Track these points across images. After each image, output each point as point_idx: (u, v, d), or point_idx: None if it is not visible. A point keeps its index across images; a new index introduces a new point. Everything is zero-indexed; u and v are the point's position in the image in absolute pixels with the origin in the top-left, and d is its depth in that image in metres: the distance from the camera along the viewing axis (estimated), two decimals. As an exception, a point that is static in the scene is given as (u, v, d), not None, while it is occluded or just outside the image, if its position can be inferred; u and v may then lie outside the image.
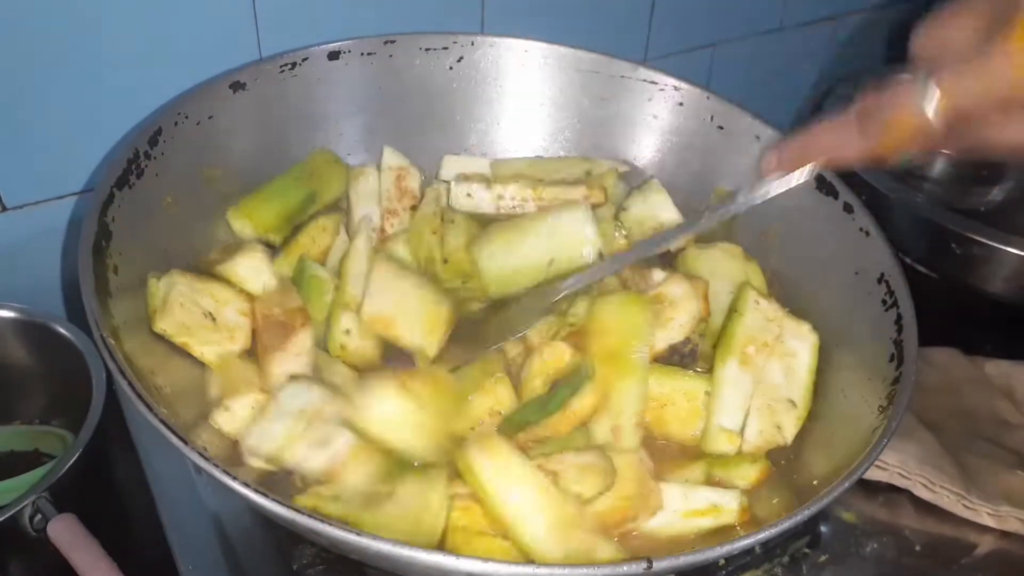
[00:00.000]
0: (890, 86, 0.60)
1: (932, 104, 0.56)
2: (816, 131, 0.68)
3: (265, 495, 0.56)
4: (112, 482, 0.89)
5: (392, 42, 0.97)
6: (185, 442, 0.59)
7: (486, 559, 0.56)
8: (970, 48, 0.55)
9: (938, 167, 1.23)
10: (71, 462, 0.81)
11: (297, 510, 0.56)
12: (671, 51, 1.35)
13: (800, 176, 0.71)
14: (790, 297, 0.90)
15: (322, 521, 0.55)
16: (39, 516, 0.79)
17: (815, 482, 0.68)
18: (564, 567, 0.56)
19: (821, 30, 1.54)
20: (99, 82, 0.92)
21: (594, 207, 0.93)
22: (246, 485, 0.57)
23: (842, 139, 0.64)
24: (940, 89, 0.56)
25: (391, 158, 0.97)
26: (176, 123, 0.83)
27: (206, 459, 0.58)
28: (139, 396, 0.60)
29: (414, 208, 0.96)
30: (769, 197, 0.74)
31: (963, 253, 1.08)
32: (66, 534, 0.77)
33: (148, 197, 0.78)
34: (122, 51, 0.91)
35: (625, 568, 0.56)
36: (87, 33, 0.88)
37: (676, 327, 0.83)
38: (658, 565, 0.56)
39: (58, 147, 0.93)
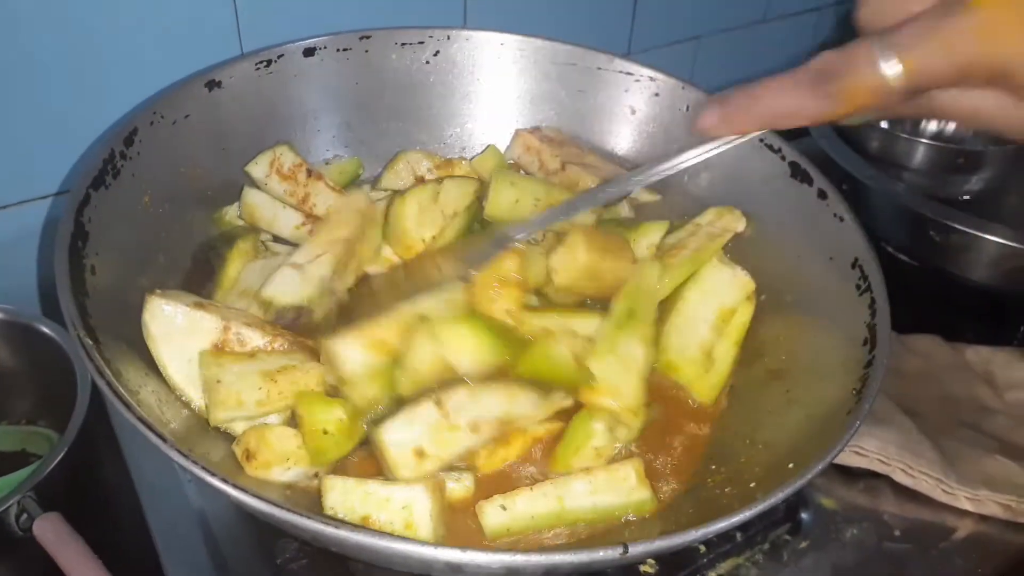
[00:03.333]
0: (848, 49, 0.57)
1: (893, 69, 0.54)
2: (765, 91, 0.62)
3: (244, 490, 0.57)
4: (98, 481, 0.90)
5: (368, 37, 0.98)
6: (164, 440, 0.59)
7: (464, 549, 0.57)
8: (931, 13, 0.54)
9: (918, 156, 1.24)
10: (56, 461, 0.82)
11: (277, 505, 0.56)
12: (654, 44, 1.35)
13: (743, 139, 0.66)
14: (764, 283, 0.91)
15: (300, 515, 0.56)
16: (25, 515, 0.79)
17: (790, 465, 0.69)
18: (540, 553, 0.57)
19: (805, 21, 1.55)
20: (76, 82, 0.92)
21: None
22: (225, 481, 0.57)
23: (795, 100, 0.60)
24: (901, 54, 0.54)
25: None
26: (152, 123, 0.83)
27: (185, 456, 0.58)
28: (117, 395, 0.61)
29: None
30: (704, 159, 0.70)
31: (943, 241, 1.09)
32: (51, 533, 0.78)
33: (125, 197, 0.78)
34: (99, 50, 0.91)
35: (601, 553, 0.57)
36: (63, 32, 0.88)
37: None
38: (633, 550, 0.57)
39: (33, 148, 0.94)
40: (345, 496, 0.69)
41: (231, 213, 0.92)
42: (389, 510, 0.68)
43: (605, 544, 0.57)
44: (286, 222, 0.91)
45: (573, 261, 0.85)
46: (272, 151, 0.92)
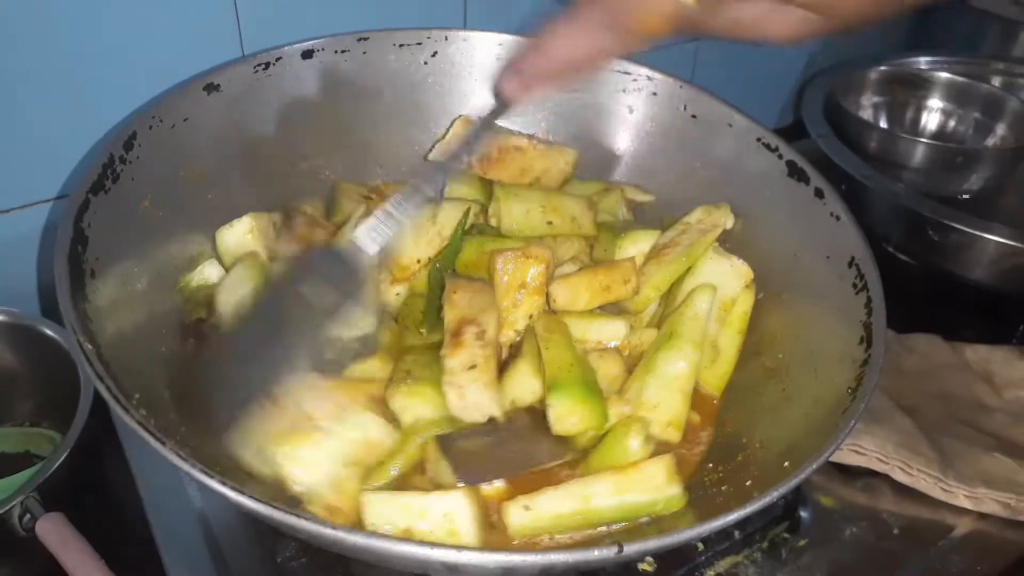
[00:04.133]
0: None
1: None
2: (555, 41, 0.60)
3: (242, 492, 0.57)
4: (100, 481, 0.90)
5: (366, 39, 0.98)
6: (163, 443, 0.59)
7: (460, 548, 0.57)
8: None
9: (917, 155, 1.24)
10: (59, 462, 0.82)
11: (276, 507, 0.56)
12: (655, 45, 1.35)
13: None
14: (761, 281, 0.91)
15: (299, 517, 0.56)
16: (28, 516, 0.80)
17: (786, 463, 0.69)
18: (536, 553, 0.57)
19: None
20: (75, 86, 0.92)
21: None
22: (223, 483, 0.58)
23: (587, 41, 0.58)
24: None
25: None
26: (151, 127, 0.83)
27: (183, 459, 0.59)
28: (117, 399, 0.61)
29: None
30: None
31: (941, 240, 1.09)
32: (54, 533, 0.78)
33: (125, 202, 0.79)
34: (99, 54, 0.92)
35: (596, 553, 0.57)
36: (62, 35, 0.89)
37: None
38: (628, 549, 0.57)
39: (32, 152, 0.94)
40: (384, 511, 0.69)
41: (195, 281, 0.89)
42: (430, 520, 0.68)
43: (599, 545, 0.57)
44: None
45: (574, 300, 0.86)
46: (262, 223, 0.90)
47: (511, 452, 0.77)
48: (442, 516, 0.68)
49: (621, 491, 0.73)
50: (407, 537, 0.67)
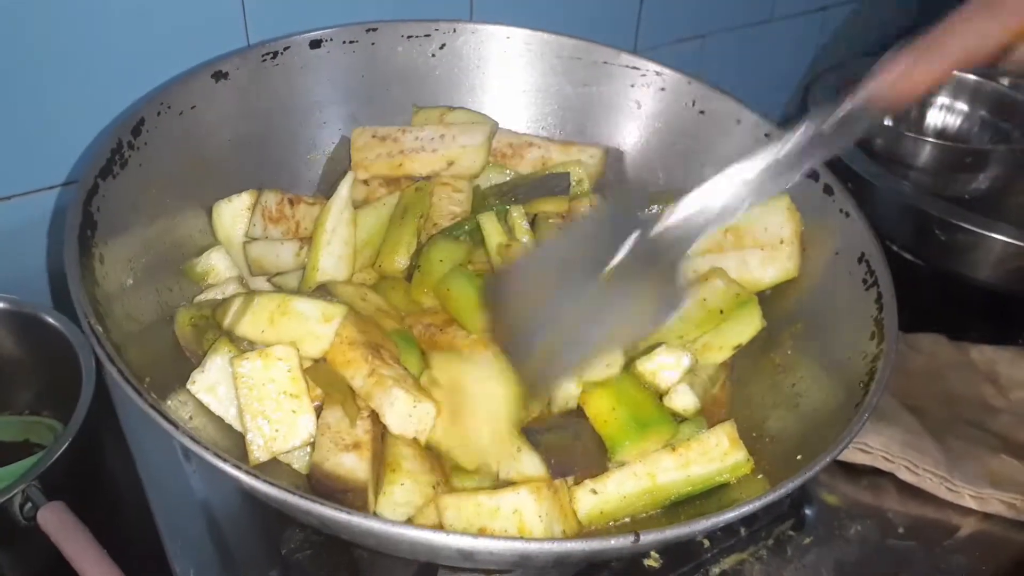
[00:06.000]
0: None
1: None
2: (944, 34, 0.59)
3: (256, 476, 0.57)
4: (102, 470, 0.90)
5: (374, 30, 0.98)
6: (176, 426, 0.59)
7: (475, 535, 0.57)
8: None
9: (924, 155, 1.24)
10: (60, 451, 0.82)
11: (288, 490, 0.56)
12: (660, 42, 1.35)
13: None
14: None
15: (312, 500, 0.56)
16: (29, 504, 0.79)
17: (798, 457, 0.69)
18: (552, 541, 0.57)
19: (812, 21, 1.54)
20: (82, 72, 0.92)
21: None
22: (237, 467, 0.57)
23: (979, 30, 0.57)
24: None
25: None
26: (159, 113, 0.83)
27: (196, 441, 0.58)
28: (128, 381, 0.61)
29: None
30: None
31: (948, 240, 1.09)
32: (55, 522, 0.78)
33: (133, 187, 0.78)
34: (106, 40, 0.91)
35: (612, 542, 0.57)
36: (70, 21, 0.88)
37: None
38: (645, 538, 0.57)
39: (40, 138, 0.93)
40: (459, 512, 0.69)
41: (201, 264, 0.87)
42: (501, 518, 0.69)
43: (616, 534, 0.57)
44: (287, 257, 0.89)
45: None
46: (257, 203, 0.89)
47: (590, 444, 0.78)
48: (512, 513, 0.69)
49: (685, 464, 0.74)
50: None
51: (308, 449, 0.73)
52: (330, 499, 0.62)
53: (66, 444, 0.82)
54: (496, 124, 1.01)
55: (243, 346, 0.75)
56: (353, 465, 0.69)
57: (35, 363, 0.99)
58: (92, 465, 0.88)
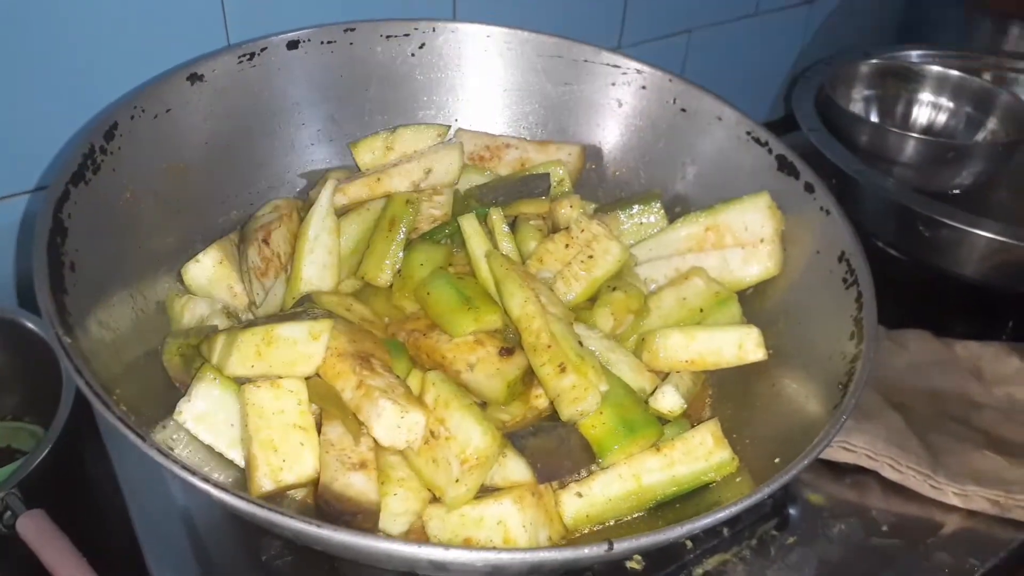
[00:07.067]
0: None
1: None
2: None
3: (225, 490, 0.56)
4: (82, 478, 0.89)
5: (352, 30, 0.97)
6: (143, 439, 0.58)
7: (447, 547, 0.56)
8: None
9: (908, 150, 1.23)
10: (40, 458, 0.81)
11: (259, 505, 0.56)
12: (645, 38, 1.35)
13: None
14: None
15: (282, 514, 0.55)
16: (8, 512, 0.79)
17: (777, 460, 0.69)
18: (526, 551, 0.56)
19: (796, 15, 1.54)
20: (55, 74, 0.91)
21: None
22: (206, 480, 0.57)
23: None
24: None
25: None
26: (133, 117, 0.82)
27: (165, 455, 0.58)
28: (96, 395, 0.60)
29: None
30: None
31: (932, 236, 1.09)
32: (35, 530, 0.77)
33: (106, 193, 0.77)
34: (80, 41, 0.90)
35: (586, 551, 0.56)
36: (42, 22, 0.87)
37: None
38: (618, 546, 0.57)
39: (10, 143, 0.92)
40: (444, 522, 0.69)
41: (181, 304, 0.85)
42: (486, 528, 0.68)
43: (589, 543, 0.56)
44: (280, 292, 0.89)
45: None
46: (243, 270, 0.87)
47: (576, 447, 0.77)
48: (496, 523, 0.68)
49: (670, 464, 0.74)
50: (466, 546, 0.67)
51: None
52: (337, 522, 0.62)
53: (45, 451, 0.81)
54: (448, 127, 1.00)
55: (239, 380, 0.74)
56: (363, 487, 0.69)
57: (16, 368, 0.98)
58: (72, 472, 0.88)
